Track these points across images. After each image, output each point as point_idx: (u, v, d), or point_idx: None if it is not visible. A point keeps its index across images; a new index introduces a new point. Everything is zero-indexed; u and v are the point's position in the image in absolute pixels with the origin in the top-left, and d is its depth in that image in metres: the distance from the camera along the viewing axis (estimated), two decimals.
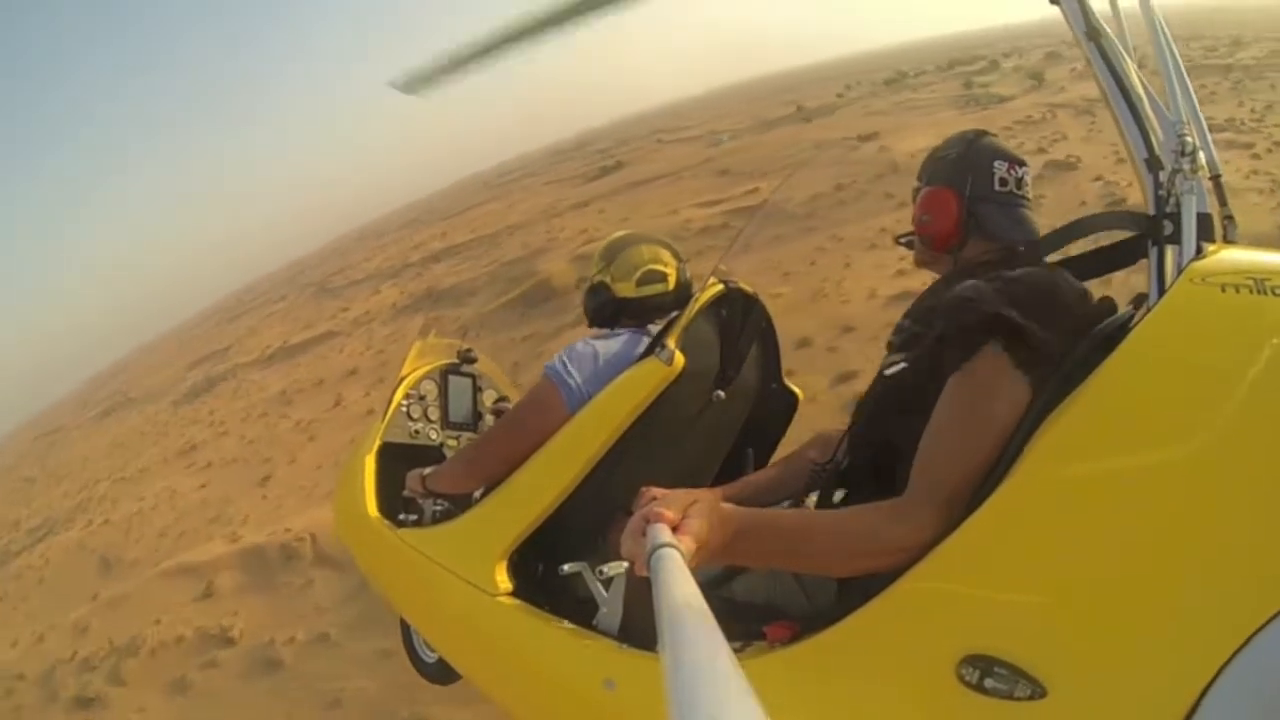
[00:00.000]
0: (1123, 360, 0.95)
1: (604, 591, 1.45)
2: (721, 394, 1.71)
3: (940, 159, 1.46)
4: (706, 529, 0.90)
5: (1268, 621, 0.80)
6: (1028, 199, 1.42)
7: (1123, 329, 1.03)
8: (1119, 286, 1.55)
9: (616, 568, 1.12)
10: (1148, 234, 1.17)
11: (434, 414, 2.47)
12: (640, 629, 1.36)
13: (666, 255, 1.85)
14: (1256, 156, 8.50)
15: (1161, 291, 1.05)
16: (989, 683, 0.91)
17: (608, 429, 1.55)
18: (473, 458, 1.78)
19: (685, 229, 10.74)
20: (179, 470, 11.09)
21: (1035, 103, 14.89)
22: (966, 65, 24.93)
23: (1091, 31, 1.25)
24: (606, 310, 1.83)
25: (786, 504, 1.55)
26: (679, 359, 1.52)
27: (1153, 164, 1.19)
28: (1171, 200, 1.13)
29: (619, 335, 1.71)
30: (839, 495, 1.39)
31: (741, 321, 1.77)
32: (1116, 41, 1.27)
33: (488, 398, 2.60)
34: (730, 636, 0.43)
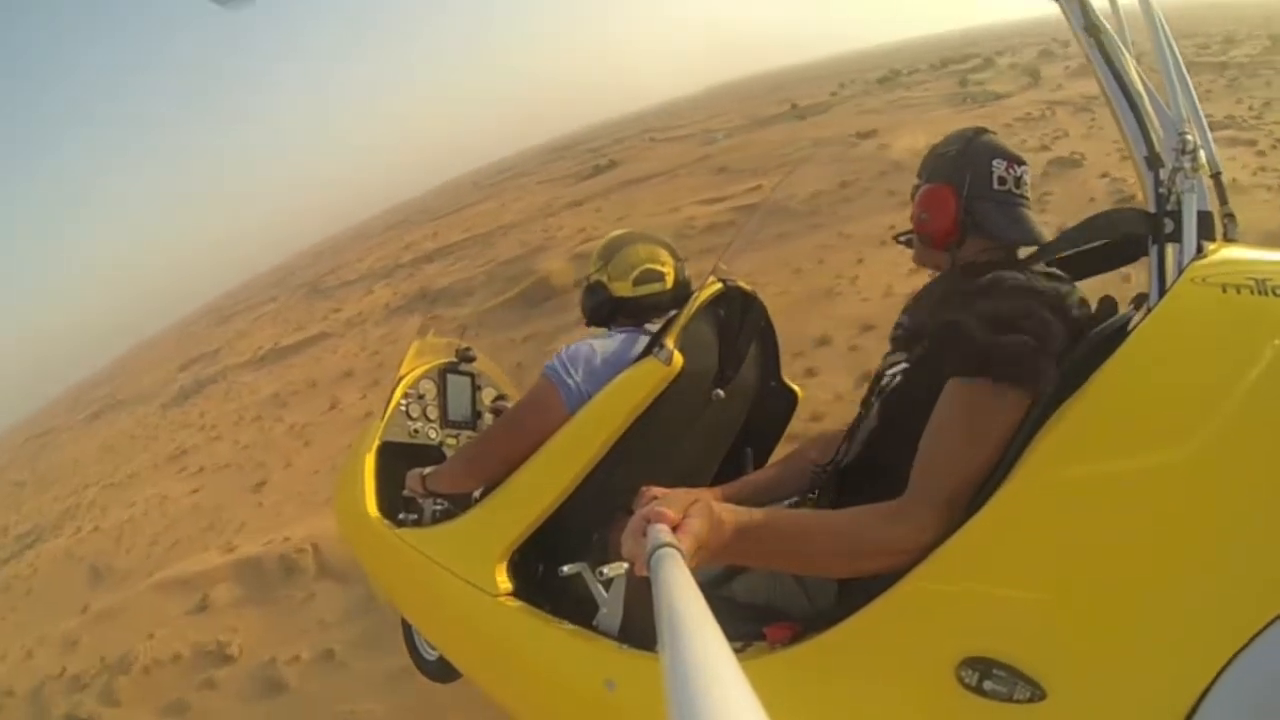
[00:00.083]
0: (1123, 362, 0.95)
1: (604, 592, 1.44)
2: (721, 393, 1.71)
3: (939, 156, 1.46)
4: (706, 529, 0.90)
5: (1267, 625, 0.80)
6: (1027, 198, 1.42)
7: (1123, 330, 1.03)
8: (1118, 286, 1.50)
9: (617, 568, 1.12)
10: (1148, 232, 1.15)
11: (433, 413, 2.46)
12: (640, 629, 1.36)
13: (664, 254, 1.84)
14: (1261, 154, 8.51)
15: (1162, 291, 1.04)
16: (988, 685, 0.91)
17: (607, 429, 1.54)
18: (472, 457, 1.78)
19: (690, 226, 10.68)
20: (170, 475, 10.87)
21: (1033, 100, 14.88)
22: (959, 63, 24.88)
23: (1090, 27, 1.24)
24: (604, 309, 1.82)
25: (786, 504, 1.54)
26: (678, 358, 1.51)
27: (1153, 161, 1.18)
28: (1172, 198, 1.12)
29: (617, 335, 1.70)
30: (839, 495, 1.39)
31: (740, 320, 1.77)
32: (1116, 37, 1.26)
33: (487, 396, 2.59)
34: (730, 637, 0.43)
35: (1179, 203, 1.10)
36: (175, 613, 5.58)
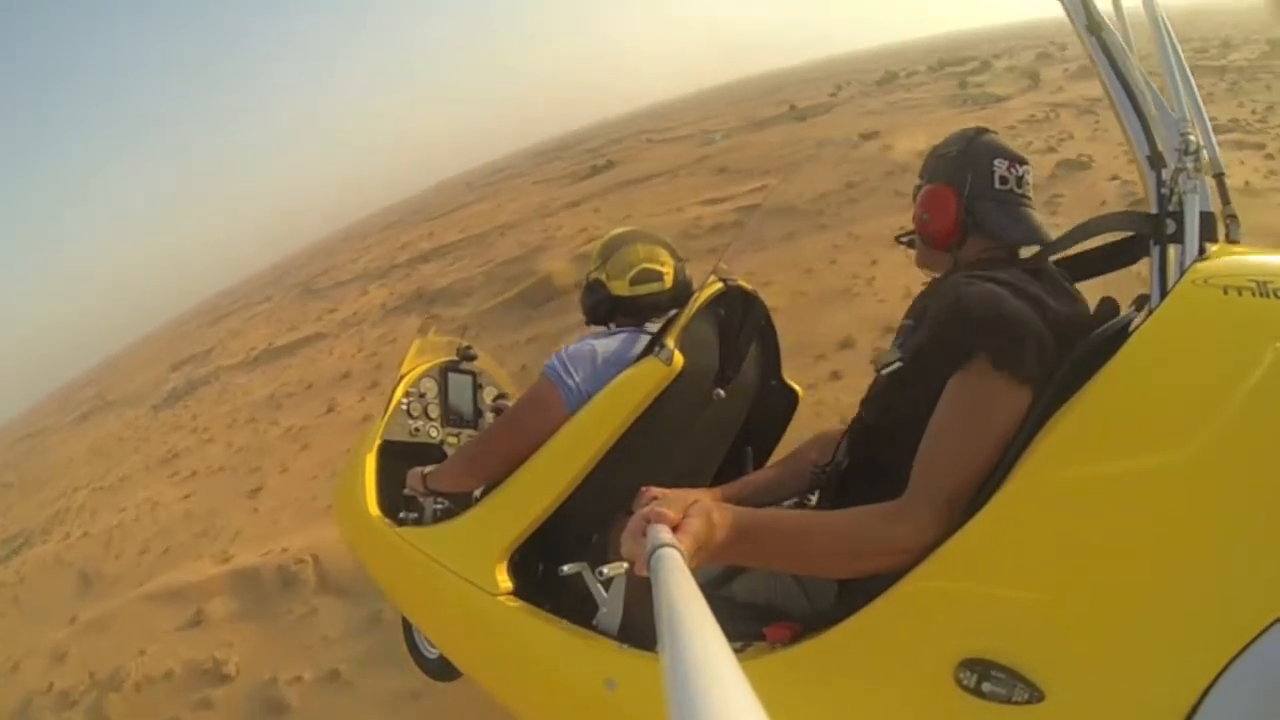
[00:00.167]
0: (1124, 363, 0.95)
1: (604, 591, 1.45)
2: (721, 393, 1.71)
3: (940, 157, 1.46)
4: (706, 529, 0.91)
5: (1267, 627, 0.80)
6: (1029, 197, 1.42)
7: (1124, 331, 1.04)
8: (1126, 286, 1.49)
9: (616, 568, 1.10)
10: (1150, 233, 1.15)
11: (434, 412, 2.47)
12: (640, 629, 1.37)
13: (663, 254, 1.84)
14: (1270, 157, 8.46)
15: (1164, 292, 1.03)
16: (987, 686, 0.91)
17: (607, 429, 1.55)
18: (472, 456, 1.79)
19: (696, 226, 10.59)
20: (161, 479, 10.65)
21: (1034, 102, 14.85)
22: (957, 66, 24.78)
23: (1093, 25, 1.23)
24: (602, 309, 1.83)
25: (786, 504, 1.55)
26: (678, 358, 1.52)
27: (1155, 161, 1.18)
28: (1174, 199, 1.12)
29: (617, 334, 1.71)
30: (838, 495, 1.39)
31: (741, 320, 1.77)
32: (1118, 37, 1.25)
33: (488, 395, 2.60)
34: (730, 637, 0.44)
35: (1181, 203, 1.10)
36: (168, 626, 5.33)
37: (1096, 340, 1.08)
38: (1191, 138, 1.11)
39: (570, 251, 11.41)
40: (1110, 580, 0.91)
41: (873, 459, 1.33)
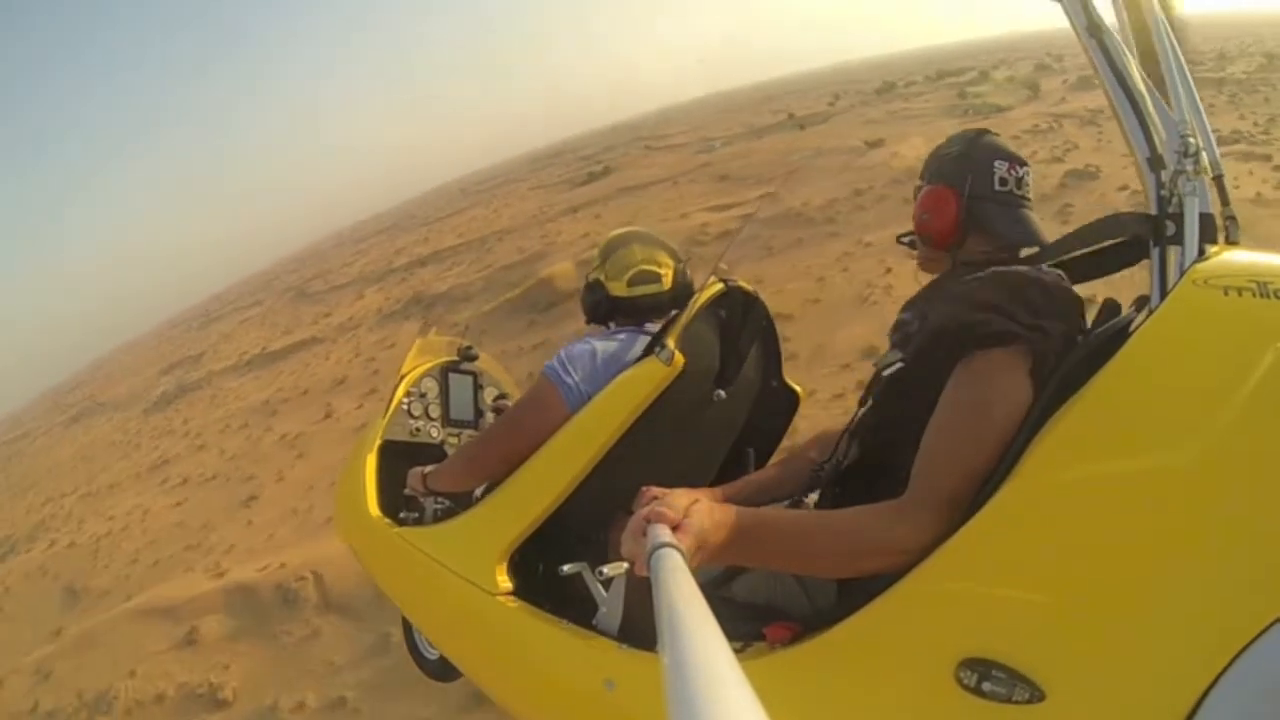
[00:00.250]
0: (1124, 363, 0.96)
1: (604, 591, 1.45)
2: (722, 393, 1.72)
3: (941, 157, 1.47)
4: (707, 529, 0.91)
5: (1267, 628, 0.80)
6: (1028, 199, 1.43)
7: (1124, 332, 1.04)
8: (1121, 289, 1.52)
9: (616, 567, 1.07)
10: (1150, 234, 1.17)
11: (435, 412, 2.47)
12: (640, 629, 1.37)
13: (663, 256, 1.85)
14: (1278, 168, 8.43)
15: (1164, 293, 1.03)
16: (987, 686, 0.91)
17: (608, 429, 1.55)
18: (473, 456, 1.79)
19: (703, 233, 10.51)
20: (151, 487, 10.41)
21: (1035, 113, 14.91)
22: (956, 76, 24.77)
23: (1093, 27, 1.24)
24: (601, 309, 1.85)
25: (786, 504, 1.54)
26: (679, 358, 1.52)
27: (1155, 163, 1.19)
28: (1174, 200, 1.13)
29: (618, 335, 1.72)
30: (838, 495, 1.39)
31: (742, 320, 1.77)
32: (1118, 39, 1.26)
33: (489, 395, 2.60)
34: (730, 637, 0.44)
35: (1181, 205, 1.11)
36: (159, 645, 5.02)
37: (1096, 341, 1.09)
38: (1191, 140, 1.12)
39: (573, 256, 11.32)
40: (1110, 580, 0.91)
41: (873, 459, 1.33)
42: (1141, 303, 1.19)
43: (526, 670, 1.58)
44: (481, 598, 1.59)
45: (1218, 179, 1.22)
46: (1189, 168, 1.11)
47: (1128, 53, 1.25)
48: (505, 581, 1.60)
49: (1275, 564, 0.84)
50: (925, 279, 1.55)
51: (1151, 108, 1.22)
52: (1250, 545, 0.86)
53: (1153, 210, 1.17)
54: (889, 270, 7.17)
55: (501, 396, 2.62)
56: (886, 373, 1.30)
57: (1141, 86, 1.22)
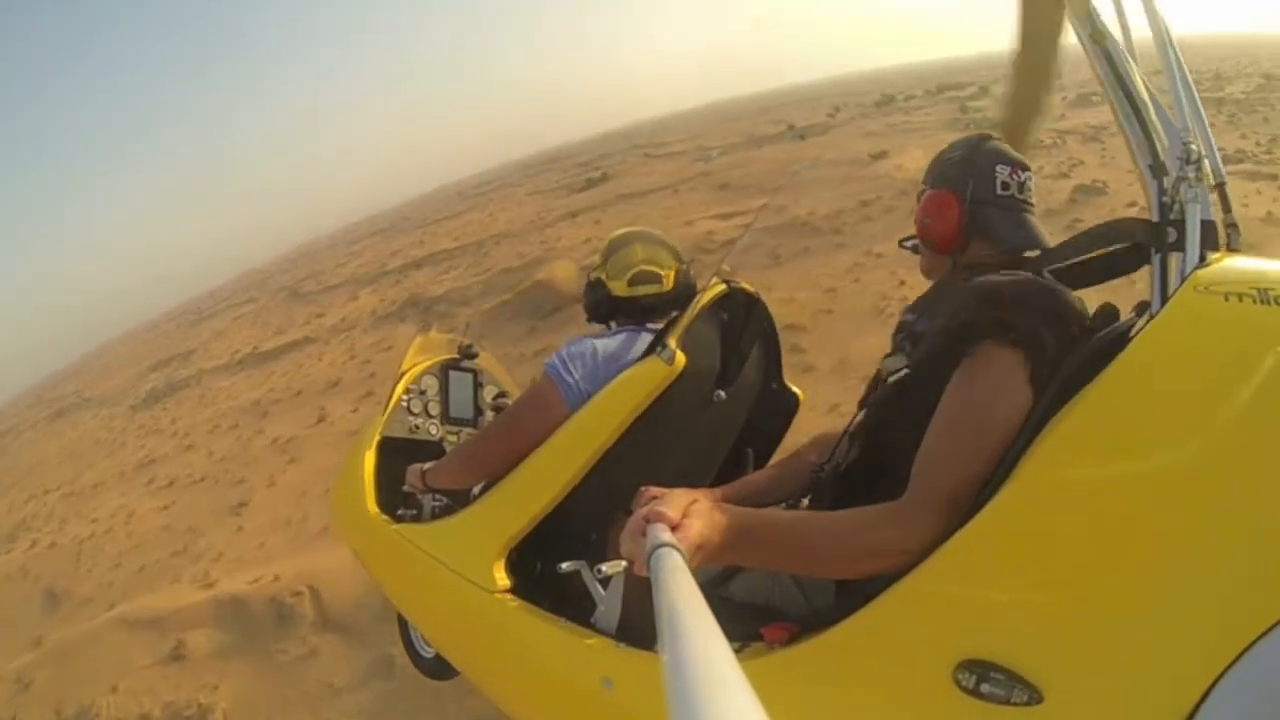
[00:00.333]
0: (1124, 368, 0.96)
1: (602, 590, 1.46)
2: (722, 394, 1.72)
3: (944, 162, 1.48)
4: (706, 529, 0.91)
5: (1267, 630, 0.80)
6: (1031, 203, 1.44)
7: (1124, 336, 1.05)
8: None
9: (615, 566, 1.06)
10: (1151, 240, 1.17)
11: (434, 409, 2.47)
12: (638, 628, 1.37)
13: (664, 256, 1.85)
14: None
15: (1164, 299, 1.03)
16: (985, 687, 0.91)
17: (608, 428, 1.55)
18: (472, 454, 1.78)
19: (709, 240, 10.45)
20: (137, 487, 10.16)
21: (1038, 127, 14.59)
22: (956, 90, 24.80)
23: (1096, 35, 1.25)
24: (602, 308, 1.86)
25: (786, 505, 1.55)
26: (680, 358, 1.52)
27: (1157, 170, 1.20)
28: (1175, 207, 1.14)
29: (619, 334, 1.72)
30: (838, 497, 1.39)
31: (743, 322, 1.79)
32: (1121, 46, 1.27)
33: (488, 393, 2.60)
34: (729, 637, 0.44)
35: (1182, 211, 1.11)
36: (144, 659, 4.75)
37: (1097, 345, 1.09)
38: (1193, 147, 1.12)
39: (576, 261, 11.21)
40: (1110, 583, 0.91)
41: (872, 460, 1.33)
42: (1142, 308, 1.20)
43: (524, 668, 1.57)
44: (479, 595, 1.58)
45: (1219, 186, 1.22)
46: (1191, 174, 1.11)
47: (1131, 60, 1.27)
48: (503, 579, 1.59)
49: (1275, 566, 0.84)
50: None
51: (1154, 115, 1.23)
52: (1250, 548, 0.86)
53: (1155, 216, 1.18)
54: (902, 282, 7.10)
55: (501, 395, 2.62)
56: (888, 374, 1.31)
57: (1144, 94, 1.24)
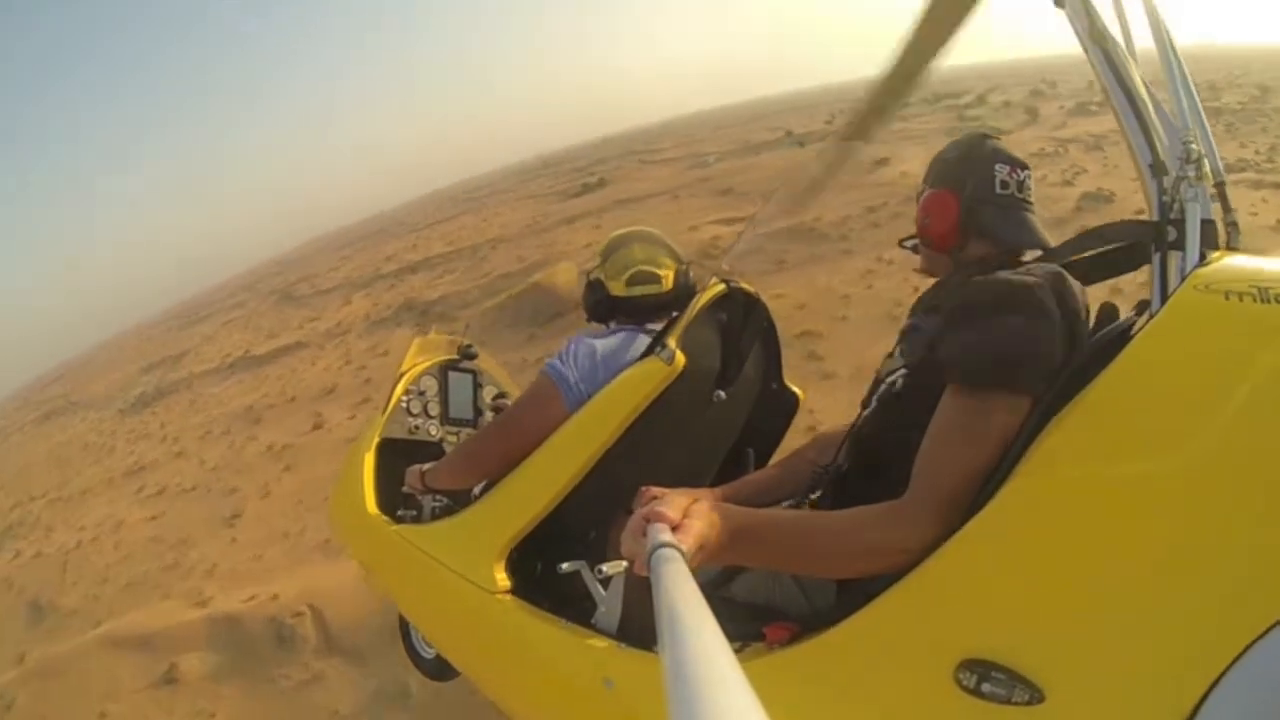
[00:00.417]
0: (1124, 367, 0.96)
1: (602, 590, 1.45)
2: (723, 394, 1.72)
3: (942, 161, 1.49)
4: (706, 529, 0.91)
5: (1267, 630, 0.81)
6: (1030, 202, 1.44)
7: (1124, 336, 1.06)
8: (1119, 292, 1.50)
9: (615, 566, 1.05)
10: (1151, 240, 1.17)
11: (434, 410, 2.47)
12: (638, 628, 1.37)
13: (663, 256, 1.85)
14: None
15: (1164, 298, 1.03)
16: (986, 687, 0.92)
17: (608, 428, 1.55)
18: (471, 454, 1.78)
19: (714, 246, 10.35)
20: (126, 495, 9.90)
21: (1038, 136, 15.06)
22: (952, 99, 24.77)
23: (1096, 35, 1.25)
24: (600, 308, 1.86)
25: (786, 504, 1.54)
26: (680, 358, 1.52)
27: (1157, 169, 1.20)
28: (1175, 206, 1.14)
29: (618, 334, 1.71)
30: (839, 496, 1.39)
31: (743, 322, 1.78)
32: (1121, 45, 1.27)
33: (488, 394, 2.60)
34: (729, 637, 0.44)
35: (1182, 211, 1.12)
36: (134, 683, 4.49)
37: (1097, 344, 1.10)
38: (1193, 146, 1.12)
39: (577, 266, 11.03)
40: (1111, 582, 0.91)
41: (873, 460, 1.33)
42: (1142, 307, 1.20)
43: (525, 669, 1.57)
44: (480, 596, 1.58)
45: (1219, 185, 1.22)
46: (1191, 174, 1.11)
47: (1130, 59, 1.27)
48: (504, 580, 1.59)
49: (1275, 566, 0.84)
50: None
51: (1154, 114, 1.23)
52: (1250, 547, 0.86)
53: (1154, 215, 1.18)
54: (916, 289, 6.80)
55: (501, 395, 2.62)
56: (889, 375, 1.31)
57: (1144, 93, 1.24)
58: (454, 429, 2.51)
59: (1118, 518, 0.92)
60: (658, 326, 1.74)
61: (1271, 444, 0.87)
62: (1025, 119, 17.88)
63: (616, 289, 1.81)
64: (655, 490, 1.07)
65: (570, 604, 1.52)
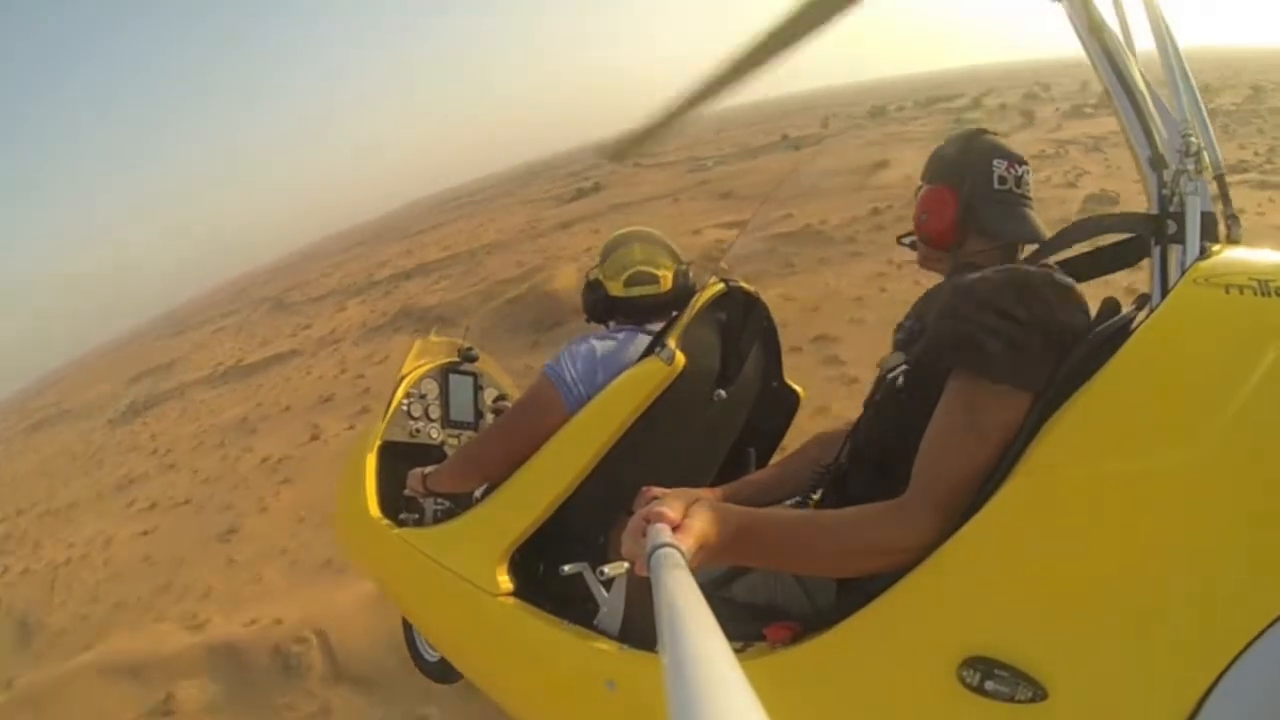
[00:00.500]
0: (1125, 362, 0.96)
1: (604, 592, 1.47)
2: (723, 394, 1.73)
3: (940, 158, 1.49)
4: (707, 529, 0.92)
5: (1269, 625, 0.80)
6: (1028, 197, 1.44)
7: (1124, 330, 1.05)
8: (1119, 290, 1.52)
9: (617, 568, 1.04)
10: (1151, 233, 1.18)
11: (435, 412, 2.47)
12: (641, 629, 1.39)
13: (662, 257, 1.85)
14: None
15: (1164, 292, 1.02)
16: (989, 685, 0.92)
17: (608, 429, 1.55)
18: (472, 456, 1.79)
19: (717, 249, 10.28)
20: (116, 509, 9.61)
21: (1036, 138, 15.19)
22: (947, 102, 24.86)
23: (1094, 28, 1.25)
24: (599, 308, 1.86)
25: (787, 504, 1.54)
26: (680, 358, 1.52)
27: (1156, 163, 1.20)
28: (1175, 199, 1.14)
29: (618, 334, 1.72)
30: (840, 495, 1.40)
31: (742, 321, 1.78)
32: (1120, 38, 1.28)
33: (489, 396, 2.61)
34: (730, 637, 0.44)
35: (1182, 204, 1.12)
36: (127, 713, 4.18)
37: (1097, 339, 1.09)
38: (1192, 139, 1.13)
39: (578, 270, 10.77)
40: (1112, 579, 0.90)
41: (874, 459, 1.33)
42: (1142, 301, 1.20)
43: (528, 671, 1.58)
44: (482, 598, 1.59)
45: (1219, 178, 1.21)
46: (1190, 167, 1.11)
47: (1129, 52, 1.26)
48: (506, 582, 1.60)
49: (1276, 562, 0.83)
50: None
51: (1152, 107, 1.23)
52: (1252, 544, 0.85)
53: (1154, 209, 1.18)
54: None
55: (501, 398, 2.62)
56: (890, 376, 1.31)
57: (1142, 86, 1.24)
58: (455, 432, 2.51)
59: (1119, 514, 0.92)
60: (657, 327, 1.73)
61: (1273, 439, 0.87)
62: (1021, 121, 17.99)
63: (615, 289, 1.81)
64: (655, 490, 1.08)
65: (573, 606, 1.53)
